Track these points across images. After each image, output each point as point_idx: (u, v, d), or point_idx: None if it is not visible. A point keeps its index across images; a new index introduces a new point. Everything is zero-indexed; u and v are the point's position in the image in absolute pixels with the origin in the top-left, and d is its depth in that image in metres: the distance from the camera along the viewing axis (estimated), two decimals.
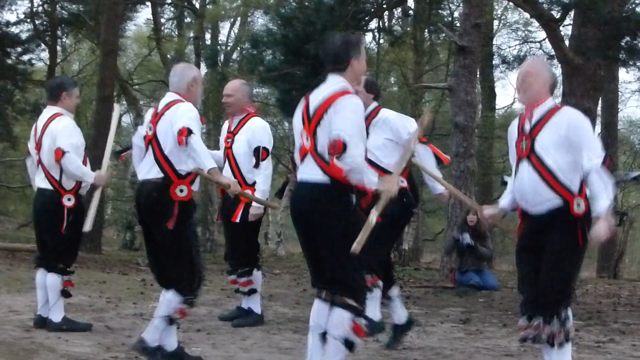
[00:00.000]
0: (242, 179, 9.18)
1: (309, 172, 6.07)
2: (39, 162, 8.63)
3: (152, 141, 7.08)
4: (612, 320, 10.93)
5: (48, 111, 8.73)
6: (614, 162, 6.63)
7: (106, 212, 32.17)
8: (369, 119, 7.83)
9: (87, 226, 8.42)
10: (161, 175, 6.98)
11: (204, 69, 29.14)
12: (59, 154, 8.40)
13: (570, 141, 6.34)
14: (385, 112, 8.15)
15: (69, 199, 8.55)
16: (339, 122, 5.89)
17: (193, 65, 7.63)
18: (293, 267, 20.24)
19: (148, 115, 7.31)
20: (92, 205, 8.48)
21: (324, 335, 6.17)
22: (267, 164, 9.28)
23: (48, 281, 8.59)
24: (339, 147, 5.84)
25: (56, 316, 8.60)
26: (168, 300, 7.02)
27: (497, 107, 33.09)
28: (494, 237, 24.53)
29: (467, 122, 15.74)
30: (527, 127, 6.54)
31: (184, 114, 6.93)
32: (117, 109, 9.42)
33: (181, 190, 6.97)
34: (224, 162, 9.32)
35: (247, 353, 7.77)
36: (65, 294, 8.71)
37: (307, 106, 6.18)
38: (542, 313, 6.47)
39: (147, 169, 7.10)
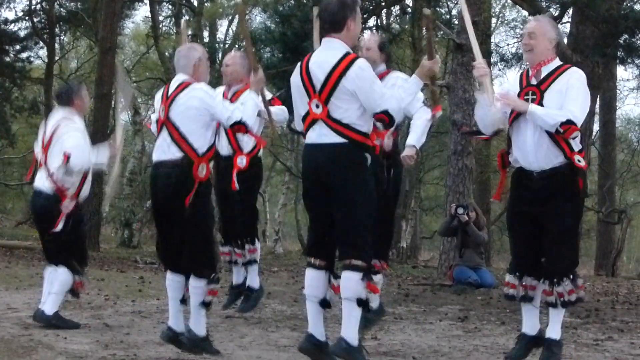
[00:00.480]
0: (238, 146, 9.09)
1: (323, 135, 6.20)
2: (44, 163, 8.64)
3: (165, 123, 7.09)
4: (610, 318, 10.93)
5: (58, 113, 8.76)
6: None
7: (104, 209, 32.12)
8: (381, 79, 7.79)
9: (106, 206, 8.55)
10: (180, 155, 6.99)
11: None
12: (64, 158, 8.44)
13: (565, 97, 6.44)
14: (396, 73, 8.09)
15: (68, 203, 8.56)
16: (364, 94, 6.12)
17: (197, 45, 7.66)
18: (291, 264, 20.25)
19: (157, 98, 7.31)
20: (112, 177, 8.56)
21: (323, 302, 6.38)
22: (279, 108, 8.93)
23: (60, 274, 8.59)
24: (387, 120, 6.19)
25: (49, 308, 8.59)
26: (194, 287, 7.11)
27: None
28: (492, 235, 24.58)
29: (464, 120, 15.73)
30: (535, 81, 6.57)
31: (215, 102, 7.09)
32: (119, 65, 9.49)
33: (202, 169, 7.01)
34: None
35: (245, 351, 7.77)
36: (74, 293, 8.75)
37: (307, 74, 6.26)
38: (551, 277, 6.51)
39: (161, 150, 7.12)
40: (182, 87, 7.09)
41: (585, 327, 10.11)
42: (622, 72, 74.78)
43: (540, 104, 6.49)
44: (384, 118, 6.19)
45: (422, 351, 8.16)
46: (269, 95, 8.41)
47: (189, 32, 9.63)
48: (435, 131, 27.41)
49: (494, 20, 31.46)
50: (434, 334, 9.28)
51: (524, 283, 6.73)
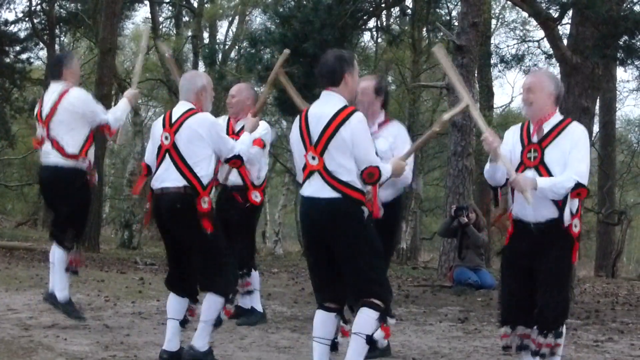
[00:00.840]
0: (250, 181, 9.18)
1: (318, 189, 6.20)
2: (47, 136, 8.66)
3: (170, 150, 7.08)
4: (610, 320, 10.94)
5: (56, 86, 8.76)
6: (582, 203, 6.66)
7: (104, 210, 32.15)
8: (380, 128, 7.72)
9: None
10: (182, 183, 7.00)
11: (202, 68, 29.12)
12: (108, 128, 8.71)
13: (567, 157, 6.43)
14: (395, 126, 7.88)
15: (79, 165, 8.60)
16: (357, 149, 6.14)
17: (202, 74, 7.59)
18: (291, 265, 20.26)
19: (158, 124, 7.29)
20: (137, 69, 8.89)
21: (333, 345, 6.35)
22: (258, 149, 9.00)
23: (56, 253, 8.65)
24: (376, 176, 6.19)
25: (60, 294, 8.64)
26: (212, 302, 7.10)
27: (494, 106, 33.09)
28: (492, 237, 24.55)
29: (464, 121, 15.73)
30: (536, 138, 6.55)
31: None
32: (145, 30, 9.68)
33: (204, 202, 7.01)
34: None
35: (245, 352, 7.78)
36: (71, 271, 8.74)
37: (306, 126, 6.28)
38: (541, 328, 6.51)
39: (163, 178, 7.11)
40: (189, 114, 7.08)
41: (585, 328, 10.12)
42: (622, 73, 74.94)
43: (542, 161, 6.48)
44: (375, 173, 6.18)
45: (422, 352, 8.17)
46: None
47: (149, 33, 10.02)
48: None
49: (493, 21, 31.50)
50: (434, 335, 9.29)
51: (518, 333, 6.73)
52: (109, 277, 14.09)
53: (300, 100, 7.77)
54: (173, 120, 7.10)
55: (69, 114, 8.56)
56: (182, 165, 7.00)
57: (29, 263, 16.52)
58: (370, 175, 6.17)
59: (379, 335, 6.14)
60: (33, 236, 26.20)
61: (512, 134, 6.81)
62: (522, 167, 6.57)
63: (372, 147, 6.33)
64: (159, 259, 19.09)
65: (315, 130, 6.20)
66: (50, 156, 8.66)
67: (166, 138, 7.09)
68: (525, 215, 6.57)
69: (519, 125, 6.83)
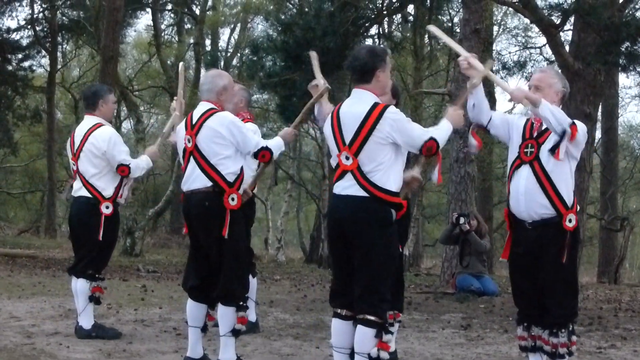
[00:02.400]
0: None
1: (350, 188, 6.22)
2: (76, 171, 8.76)
3: (193, 152, 7.12)
4: (613, 326, 10.92)
5: (88, 121, 8.83)
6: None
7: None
8: None
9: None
10: (210, 184, 7.04)
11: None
12: (125, 170, 8.65)
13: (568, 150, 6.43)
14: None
15: (107, 207, 8.65)
16: (406, 135, 6.17)
17: (224, 73, 7.58)
18: (293, 272, 20.24)
19: (181, 127, 7.31)
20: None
21: (352, 355, 6.32)
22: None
23: (78, 287, 8.66)
24: (434, 147, 6.24)
25: (86, 323, 8.63)
26: (223, 315, 7.15)
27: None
28: (494, 243, 24.55)
29: (466, 128, 15.69)
30: (535, 133, 6.57)
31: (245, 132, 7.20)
32: (181, 67, 9.31)
33: (232, 199, 7.05)
34: None
35: (247, 359, 7.77)
36: (94, 300, 8.73)
37: (338, 126, 6.29)
38: (550, 327, 6.51)
39: (191, 180, 7.16)
40: (208, 114, 7.11)
41: (588, 334, 10.10)
42: (624, 80, 74.86)
43: (537, 156, 6.51)
44: (433, 145, 6.21)
45: (425, 359, 8.16)
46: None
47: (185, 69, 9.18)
48: None
49: (495, 28, 31.49)
50: (436, 342, 9.28)
51: (532, 334, 6.74)
52: (111, 285, 14.07)
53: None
54: (194, 122, 7.13)
55: (92, 153, 8.64)
56: (206, 166, 7.05)
57: (31, 271, 16.51)
58: (429, 149, 6.21)
59: (377, 352, 6.13)
60: (35, 244, 26.18)
61: (517, 119, 6.84)
62: (518, 161, 6.60)
63: (416, 126, 6.29)
64: (161, 266, 19.09)
65: (349, 130, 6.21)
66: (79, 191, 8.74)
67: (189, 141, 7.14)
68: (519, 212, 6.58)
69: (525, 118, 6.84)
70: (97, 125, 8.69)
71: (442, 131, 6.37)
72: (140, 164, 8.79)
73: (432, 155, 6.34)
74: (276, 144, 7.36)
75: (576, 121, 6.57)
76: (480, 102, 6.86)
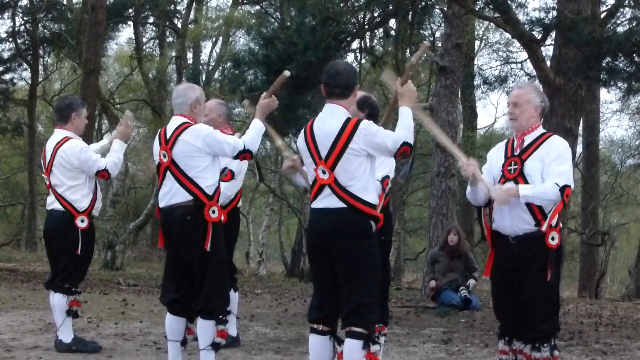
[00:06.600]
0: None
1: (328, 201, 6.28)
2: (49, 185, 8.74)
3: (170, 167, 7.10)
4: (593, 341, 10.93)
5: (56, 135, 8.85)
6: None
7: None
8: None
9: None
10: (190, 197, 7.01)
11: None
12: (105, 175, 8.70)
13: (548, 167, 6.45)
14: None
15: (82, 220, 8.64)
16: (379, 142, 6.28)
17: (195, 86, 7.58)
18: (274, 287, 20.19)
19: (156, 143, 7.28)
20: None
21: None
22: (228, 185, 8.92)
23: (55, 301, 8.63)
24: (408, 150, 6.37)
25: (65, 336, 8.61)
26: (203, 329, 7.13)
27: (478, 127, 33.18)
28: (476, 256, 24.55)
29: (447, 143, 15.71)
30: (517, 151, 6.59)
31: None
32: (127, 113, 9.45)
33: (213, 212, 7.04)
34: None
35: None
36: (72, 313, 8.70)
37: (313, 141, 6.36)
38: (533, 342, 6.52)
39: (171, 195, 7.13)
40: (182, 128, 7.10)
41: (568, 349, 10.11)
42: (605, 95, 75.27)
43: (522, 172, 6.53)
44: (407, 149, 6.33)
45: None
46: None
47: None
48: (419, 153, 27.49)
49: (477, 42, 31.62)
50: (417, 357, 9.27)
51: (514, 348, 6.74)
52: (91, 298, 14.02)
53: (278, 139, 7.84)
54: (168, 136, 7.11)
55: (63, 167, 8.65)
56: (185, 180, 7.03)
57: (11, 284, 16.42)
58: (404, 153, 6.34)
59: None
60: (16, 257, 26.04)
61: (497, 150, 6.86)
62: (502, 179, 6.61)
63: (388, 134, 6.36)
64: (142, 280, 19.01)
65: (324, 145, 6.28)
66: (52, 204, 8.72)
67: (164, 156, 7.11)
68: (503, 228, 6.60)
69: (505, 141, 6.87)
70: (65, 139, 8.70)
71: (408, 130, 6.43)
72: (113, 160, 8.77)
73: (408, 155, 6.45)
74: (254, 135, 7.28)
75: (557, 137, 6.61)
76: (478, 194, 6.81)
